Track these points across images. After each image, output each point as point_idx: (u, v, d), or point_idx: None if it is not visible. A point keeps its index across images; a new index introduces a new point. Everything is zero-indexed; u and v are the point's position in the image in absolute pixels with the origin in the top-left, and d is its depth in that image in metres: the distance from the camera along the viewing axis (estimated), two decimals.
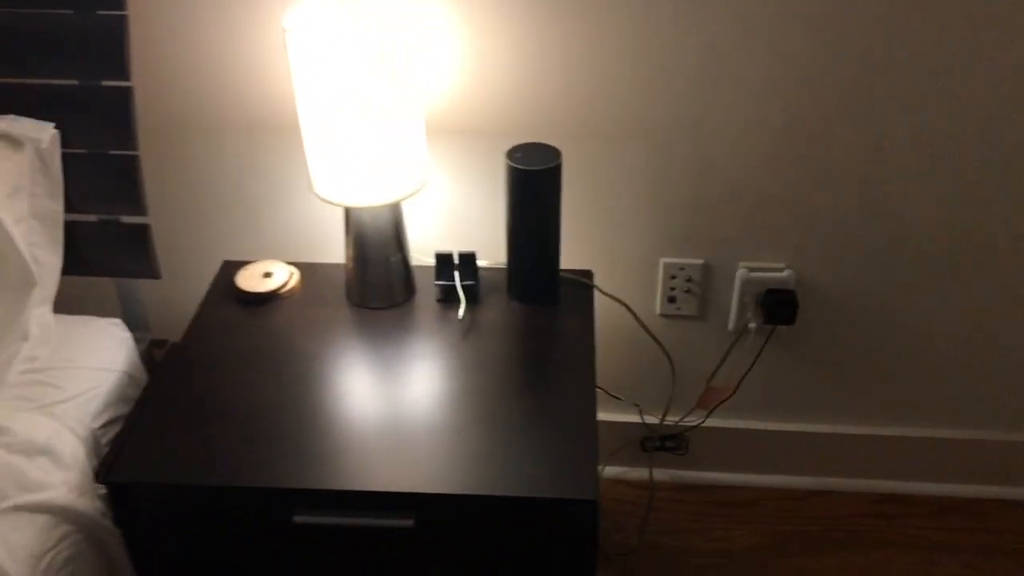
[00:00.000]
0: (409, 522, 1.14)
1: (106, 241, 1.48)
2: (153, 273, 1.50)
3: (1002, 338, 1.62)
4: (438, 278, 1.44)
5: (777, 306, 1.56)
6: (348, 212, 1.37)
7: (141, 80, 1.42)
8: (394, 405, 1.25)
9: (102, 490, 1.25)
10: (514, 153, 1.32)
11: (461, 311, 1.40)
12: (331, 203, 1.32)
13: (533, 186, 1.32)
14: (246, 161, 1.51)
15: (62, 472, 1.21)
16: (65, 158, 1.40)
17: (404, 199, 1.34)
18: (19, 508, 1.14)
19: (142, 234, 1.47)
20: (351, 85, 1.20)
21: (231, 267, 1.50)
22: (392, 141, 1.27)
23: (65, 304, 1.43)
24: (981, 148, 1.43)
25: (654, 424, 1.71)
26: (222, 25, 1.40)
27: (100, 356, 1.42)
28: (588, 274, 1.49)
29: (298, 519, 1.14)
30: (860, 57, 1.36)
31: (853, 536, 1.71)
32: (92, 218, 1.47)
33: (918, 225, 1.51)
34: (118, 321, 1.49)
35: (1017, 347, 1.62)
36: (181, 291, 1.59)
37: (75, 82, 1.39)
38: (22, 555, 1.11)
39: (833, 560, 1.67)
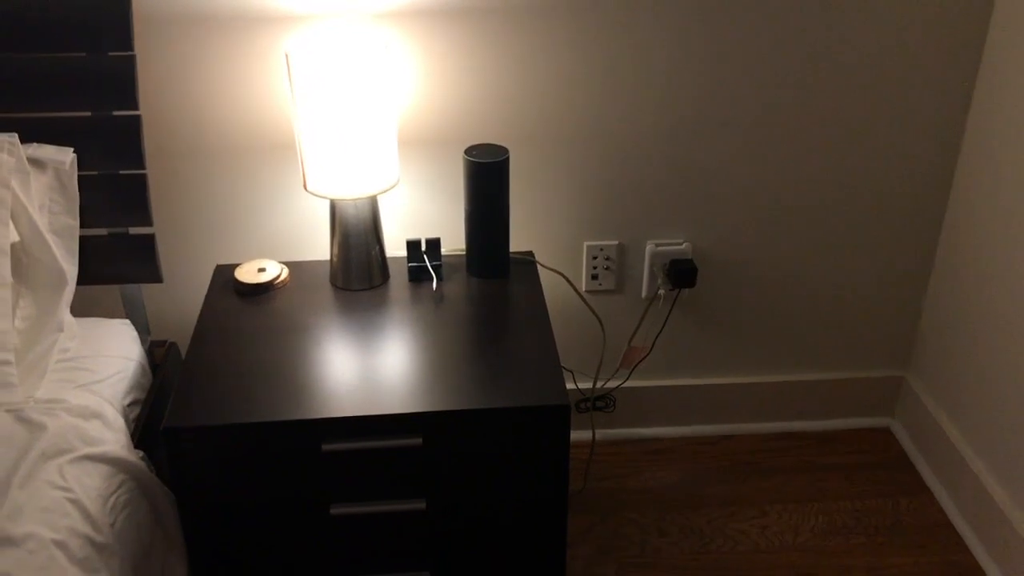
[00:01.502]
0: (418, 440, 1.41)
1: (115, 251, 1.69)
2: (156, 277, 1.72)
3: (861, 290, 2.01)
4: (409, 261, 1.72)
5: (680, 274, 1.91)
6: (334, 206, 1.64)
7: (148, 109, 1.66)
8: (391, 354, 1.52)
9: (140, 453, 1.46)
10: (471, 151, 1.64)
11: (435, 284, 1.69)
12: (322, 197, 1.60)
13: (487, 176, 1.63)
14: (237, 177, 1.77)
15: (112, 433, 1.43)
16: (80, 179, 1.62)
17: (381, 193, 1.63)
18: (86, 458, 1.35)
19: (148, 243, 1.70)
20: (340, 99, 1.50)
21: (224, 269, 1.74)
22: (371, 145, 1.56)
23: (74, 309, 1.63)
24: (835, 140, 1.83)
25: (586, 388, 2.02)
26: (216, 61, 1.67)
27: (120, 348, 1.63)
28: (530, 254, 1.80)
29: (326, 447, 1.39)
30: (735, 71, 1.75)
31: (756, 467, 2.06)
32: (102, 231, 1.69)
33: (789, 202, 1.90)
34: (127, 322, 1.70)
35: (873, 297, 2.02)
36: (178, 293, 1.81)
37: (88, 113, 1.62)
38: (93, 495, 1.32)
39: (742, 487, 2.00)
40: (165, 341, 1.79)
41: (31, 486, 1.26)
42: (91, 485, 1.33)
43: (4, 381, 1.42)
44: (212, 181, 1.77)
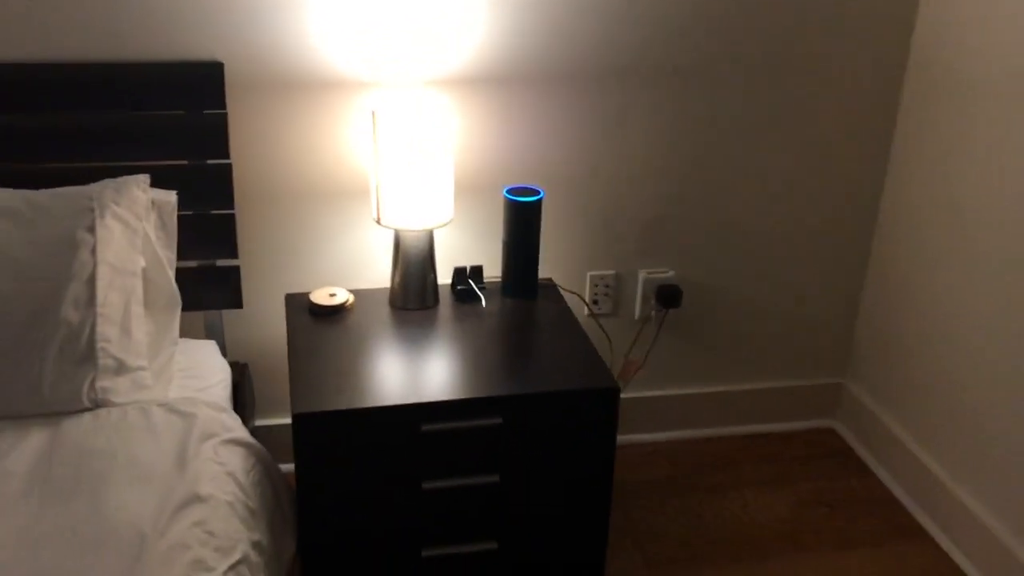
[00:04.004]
0: (498, 420, 1.71)
1: (203, 281, 1.95)
2: (238, 304, 1.98)
3: (806, 311, 2.44)
4: (455, 285, 2.04)
5: (667, 297, 2.29)
6: (399, 238, 1.95)
7: (238, 158, 1.95)
8: (460, 354, 1.83)
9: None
10: (510, 191, 1.99)
11: (484, 302, 2.01)
12: (392, 228, 1.92)
13: (525, 212, 1.98)
14: (306, 216, 2.06)
15: (237, 423, 1.68)
16: (177, 218, 1.88)
17: (438, 227, 1.95)
18: (229, 441, 1.60)
19: (234, 274, 1.96)
20: (411, 148, 1.83)
21: (294, 297, 2.02)
22: (433, 186, 1.89)
23: None
24: (782, 188, 2.27)
25: None
26: (294, 118, 1.97)
27: (213, 363, 1.88)
28: (550, 280, 2.15)
29: (424, 428, 1.68)
30: (708, 141, 2.17)
31: (730, 461, 2.42)
32: (192, 263, 1.94)
33: (748, 238, 2.31)
34: (212, 342, 1.95)
35: (815, 316, 2.45)
36: (252, 318, 2.07)
37: (186, 162, 1.90)
38: (239, 470, 1.57)
39: (722, 477, 2.37)
40: (236, 362, 2.03)
41: (199, 460, 1.51)
42: (236, 462, 1.58)
43: (142, 383, 1.66)
44: (285, 220, 2.05)
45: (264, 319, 2.09)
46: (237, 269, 1.97)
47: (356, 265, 2.12)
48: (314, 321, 1.94)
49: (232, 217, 1.94)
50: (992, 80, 1.96)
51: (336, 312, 1.97)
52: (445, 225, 1.97)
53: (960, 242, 2.09)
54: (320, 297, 1.98)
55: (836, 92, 2.21)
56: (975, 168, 2.03)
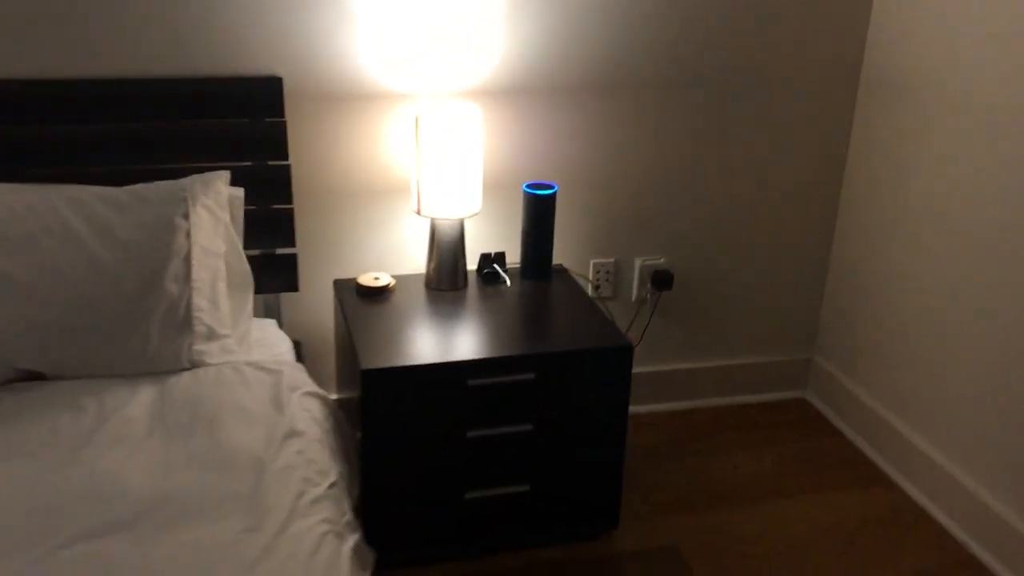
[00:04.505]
0: (531, 375, 2.01)
1: (264, 267, 2.22)
2: (295, 288, 2.26)
3: (778, 292, 2.78)
4: (482, 268, 2.34)
5: (660, 281, 2.62)
6: (435, 227, 2.25)
7: (296, 159, 2.23)
8: (494, 322, 2.13)
9: None
10: (529, 186, 2.30)
11: (508, 282, 2.32)
12: (430, 217, 2.22)
13: (543, 204, 2.29)
14: (353, 210, 2.35)
15: (311, 381, 1.95)
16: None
17: (469, 217, 2.26)
18: (308, 394, 1.88)
19: (292, 261, 2.24)
20: (448, 148, 2.13)
21: (340, 282, 2.30)
22: (466, 181, 2.19)
23: None
24: (752, 184, 2.61)
25: None
26: (344, 125, 2.27)
27: (276, 338, 2.15)
28: (561, 266, 2.46)
29: (471, 382, 1.98)
30: (696, 147, 2.51)
31: (717, 427, 2.74)
32: (255, 252, 2.21)
33: (726, 229, 2.65)
34: (273, 321, 2.23)
35: (784, 298, 2.79)
36: (303, 300, 2.35)
37: (250, 163, 2.18)
38: (319, 417, 1.84)
39: (713, 441, 2.68)
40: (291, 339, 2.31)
41: (291, 405, 1.79)
42: (317, 410, 1.86)
43: (228, 348, 1.94)
44: (334, 214, 2.34)
45: (314, 302, 2.37)
46: (294, 257, 2.26)
47: (395, 253, 2.42)
48: (362, 301, 2.23)
49: (291, 211, 2.22)
50: (936, 79, 2.32)
51: (380, 293, 2.26)
52: (474, 216, 2.28)
53: (909, 230, 2.44)
54: (366, 280, 2.27)
55: (799, 101, 2.57)
56: (923, 162, 2.39)
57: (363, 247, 2.39)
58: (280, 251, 2.25)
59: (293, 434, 1.71)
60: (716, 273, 2.71)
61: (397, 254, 2.42)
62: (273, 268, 2.25)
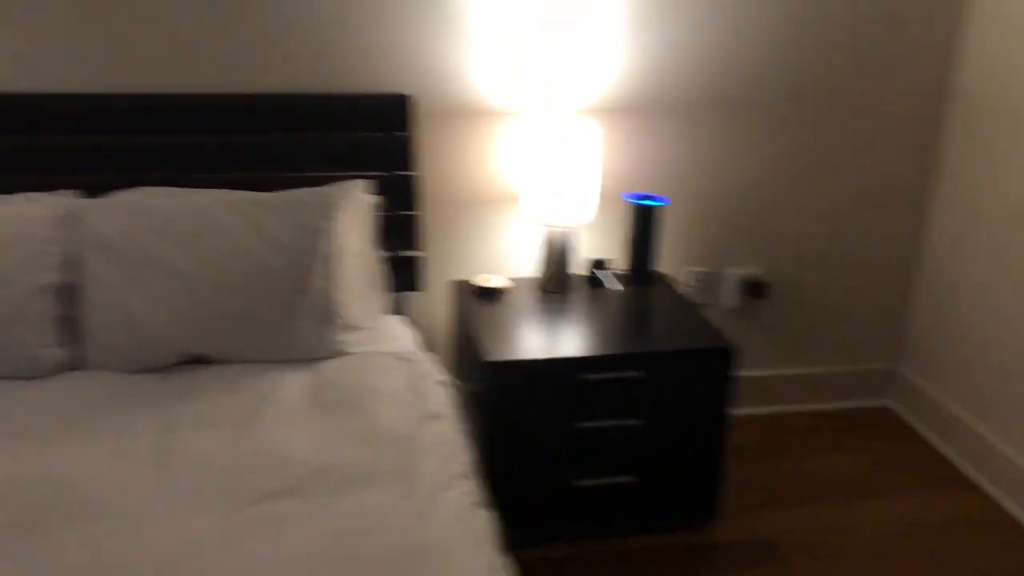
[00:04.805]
0: (643, 373, 2.17)
1: (392, 268, 2.42)
2: (419, 288, 2.46)
3: (874, 301, 2.89)
4: (590, 273, 2.51)
5: (755, 290, 2.75)
6: (548, 233, 2.42)
7: (422, 171, 2.43)
8: (605, 322, 2.29)
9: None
10: (634, 197, 2.46)
11: (614, 287, 2.48)
12: (544, 226, 2.39)
13: (650, 215, 2.45)
14: (473, 217, 2.54)
15: (439, 369, 2.13)
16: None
17: (582, 225, 2.42)
18: (438, 382, 2.05)
19: (417, 264, 2.44)
20: (561, 162, 2.31)
21: (456, 283, 2.49)
22: (578, 193, 2.36)
23: None
24: (842, 194, 2.74)
25: None
26: (466, 138, 2.46)
27: (406, 331, 2.33)
28: (662, 273, 2.62)
29: (581, 377, 2.14)
30: (785, 161, 2.65)
31: (809, 434, 2.86)
32: (384, 254, 2.41)
33: (825, 240, 2.78)
34: (400, 317, 2.42)
35: (866, 310, 2.90)
36: (424, 299, 2.54)
37: (381, 173, 2.38)
38: (451, 404, 2.02)
39: (804, 442, 2.80)
40: None
41: (426, 391, 1.98)
42: (448, 398, 2.03)
43: (365, 339, 2.14)
44: (455, 220, 2.53)
45: (431, 301, 2.56)
46: (420, 259, 2.45)
47: (508, 257, 2.60)
48: (479, 301, 2.41)
49: (417, 218, 2.42)
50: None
51: (496, 294, 2.44)
52: (586, 224, 2.45)
53: (997, 241, 2.55)
54: (483, 281, 2.45)
55: (890, 116, 2.70)
56: (1012, 174, 2.49)
57: (478, 251, 2.58)
58: (407, 254, 2.44)
59: (432, 416, 1.89)
60: (807, 283, 2.83)
61: (509, 258, 2.60)
62: (400, 269, 2.44)
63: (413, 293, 2.50)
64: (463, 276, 2.57)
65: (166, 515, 1.58)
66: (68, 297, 2.02)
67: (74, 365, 2.01)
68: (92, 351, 2.01)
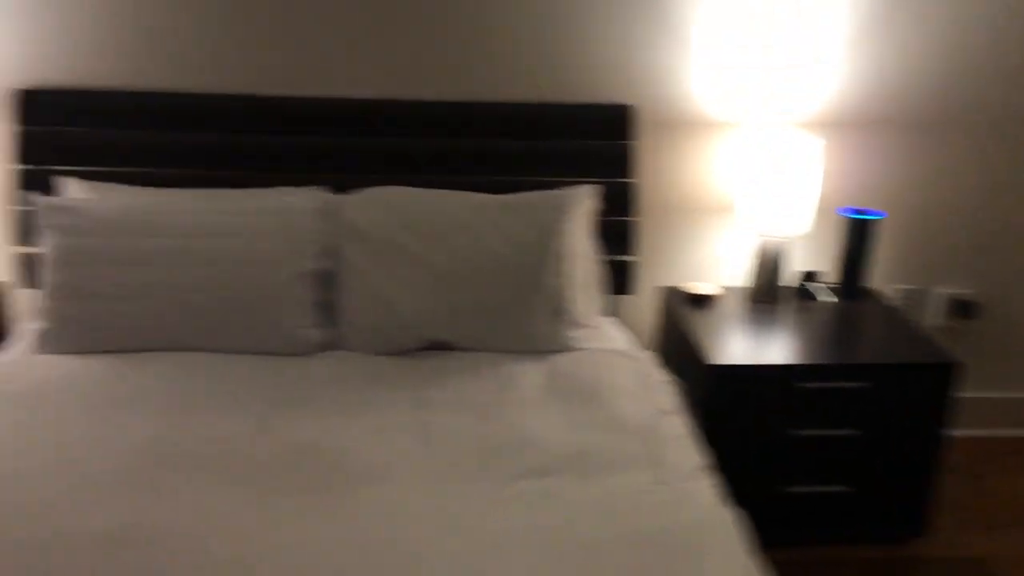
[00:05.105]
0: (864, 384, 2.19)
1: (608, 272, 2.51)
2: (632, 291, 2.55)
3: None
4: (801, 284, 2.55)
5: (963, 309, 2.73)
6: (761, 242, 2.47)
7: (640, 179, 2.53)
8: (816, 334, 2.32)
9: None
10: (847, 211, 2.49)
11: (826, 299, 2.51)
12: (760, 235, 2.44)
13: (864, 229, 2.47)
14: (686, 225, 2.62)
15: (661, 369, 2.21)
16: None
17: (798, 237, 2.47)
18: (663, 380, 2.13)
19: (631, 268, 2.53)
20: (779, 174, 2.35)
21: (664, 290, 2.57)
22: (798, 204, 2.40)
23: None
24: None
25: None
26: (685, 149, 2.55)
27: (621, 333, 2.41)
28: (871, 288, 2.63)
29: (799, 385, 2.18)
30: (1009, 175, 2.62)
31: (1015, 456, 2.81)
32: (601, 257, 2.51)
33: None
34: (615, 319, 2.51)
35: None
36: (634, 303, 2.63)
37: (601, 180, 2.48)
38: (677, 402, 2.09)
39: (1006, 468, 2.75)
40: None
41: (656, 388, 2.06)
42: (674, 396, 2.10)
43: (590, 336, 2.25)
44: (669, 227, 2.62)
45: (639, 304, 2.65)
46: (634, 264, 2.54)
47: (716, 266, 2.66)
48: (690, 307, 2.48)
49: (634, 224, 2.51)
50: None
51: (708, 301, 2.50)
52: (799, 236, 2.49)
53: None
54: (694, 288, 2.52)
55: None
56: None
57: (686, 259, 2.66)
58: (621, 258, 2.53)
59: (663, 412, 1.97)
60: (1016, 305, 2.79)
61: (717, 267, 2.66)
62: (615, 273, 2.53)
63: (623, 296, 2.59)
64: (669, 282, 2.64)
65: (434, 485, 1.71)
66: (325, 283, 2.20)
67: (330, 345, 2.18)
68: (346, 333, 2.18)
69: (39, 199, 2.17)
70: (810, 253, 2.67)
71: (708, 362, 2.18)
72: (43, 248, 2.16)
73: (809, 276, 2.57)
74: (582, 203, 2.33)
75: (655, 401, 2.01)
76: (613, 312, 2.58)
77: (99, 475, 1.69)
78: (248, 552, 1.52)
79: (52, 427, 1.84)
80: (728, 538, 1.60)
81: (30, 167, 2.35)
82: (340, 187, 2.34)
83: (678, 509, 1.65)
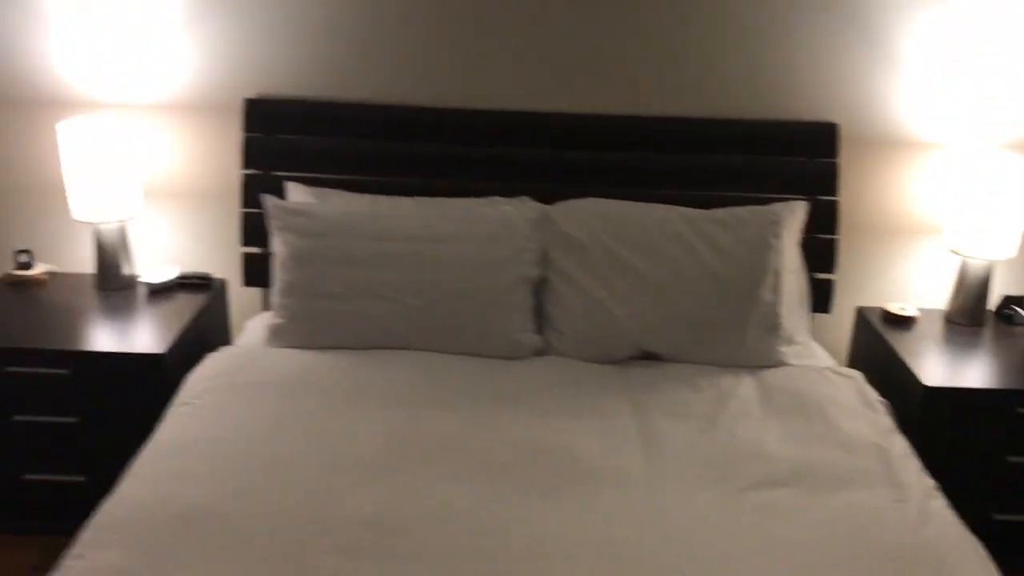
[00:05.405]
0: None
1: (809, 289, 2.52)
2: (827, 309, 2.55)
3: None
4: (1002, 309, 2.51)
5: None
6: (964, 264, 2.45)
7: (843, 196, 2.53)
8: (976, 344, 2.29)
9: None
10: None
11: None
12: (964, 257, 2.42)
13: None
14: (882, 245, 2.61)
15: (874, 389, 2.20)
16: None
17: (999, 260, 2.43)
18: (881, 401, 2.12)
19: (828, 286, 2.53)
20: (987, 194, 2.32)
21: (866, 309, 2.56)
22: (1004, 226, 2.36)
23: None
24: None
25: None
26: (890, 168, 2.54)
27: (821, 349, 2.41)
28: None
29: (1020, 410, 2.15)
30: None
31: None
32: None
33: None
34: (810, 336, 2.51)
35: None
36: (828, 321, 2.63)
37: (807, 197, 2.49)
38: (896, 424, 2.08)
39: None
40: None
41: (874, 408, 2.06)
42: (889, 414, 2.09)
43: (800, 353, 2.27)
44: (863, 246, 2.61)
45: (834, 323, 2.64)
46: (832, 283, 2.54)
47: (912, 288, 2.65)
48: (887, 327, 2.47)
49: (835, 242, 2.52)
50: None
51: (908, 322, 2.48)
52: (1002, 260, 2.46)
53: None
54: (893, 309, 2.51)
55: None
56: None
57: (882, 279, 2.65)
58: (821, 276, 2.54)
59: (894, 431, 1.97)
60: None
61: (912, 288, 2.64)
62: (814, 290, 2.53)
63: (818, 315, 2.59)
64: (863, 302, 2.63)
65: (666, 491, 1.75)
66: (540, 289, 2.27)
67: (543, 351, 2.25)
68: (559, 339, 2.25)
69: (271, 202, 2.30)
70: (1013, 277, 2.62)
71: (924, 383, 2.17)
72: (275, 248, 2.29)
73: (1012, 301, 2.53)
74: (794, 218, 2.35)
75: (874, 420, 2.01)
76: (810, 330, 2.59)
77: (349, 465, 1.78)
78: (495, 546, 1.59)
79: (301, 416, 1.94)
80: (978, 558, 1.60)
81: (256, 172, 2.49)
82: (544, 198, 2.41)
83: (924, 527, 1.65)
